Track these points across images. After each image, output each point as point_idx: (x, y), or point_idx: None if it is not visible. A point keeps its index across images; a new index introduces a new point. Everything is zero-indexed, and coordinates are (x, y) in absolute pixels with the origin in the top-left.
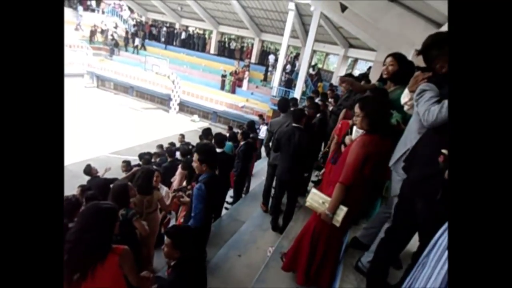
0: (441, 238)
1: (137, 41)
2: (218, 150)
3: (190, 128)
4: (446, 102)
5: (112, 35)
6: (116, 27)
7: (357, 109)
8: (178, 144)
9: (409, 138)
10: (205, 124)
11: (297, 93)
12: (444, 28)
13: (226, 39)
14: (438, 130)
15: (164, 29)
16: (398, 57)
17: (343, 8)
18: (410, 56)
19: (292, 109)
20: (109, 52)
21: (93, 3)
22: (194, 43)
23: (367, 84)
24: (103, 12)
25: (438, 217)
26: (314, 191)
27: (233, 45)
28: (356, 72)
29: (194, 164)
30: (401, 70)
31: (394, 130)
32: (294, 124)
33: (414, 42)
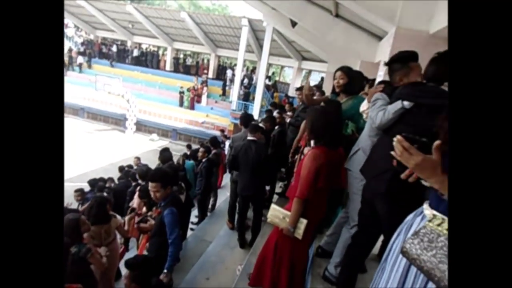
0: (395, 242)
1: (81, 59)
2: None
3: (149, 147)
4: (389, 107)
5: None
6: None
7: (304, 122)
8: (134, 167)
9: (361, 140)
10: (164, 142)
11: (256, 106)
12: (384, 40)
13: (182, 55)
14: (388, 132)
15: (115, 47)
16: (346, 71)
17: (293, 23)
18: (358, 66)
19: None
20: None
21: None
22: (148, 60)
23: (321, 95)
24: None
25: (397, 215)
26: (273, 206)
27: (189, 61)
28: (310, 83)
29: (157, 194)
30: (350, 82)
31: (348, 139)
32: (249, 138)
33: (360, 54)
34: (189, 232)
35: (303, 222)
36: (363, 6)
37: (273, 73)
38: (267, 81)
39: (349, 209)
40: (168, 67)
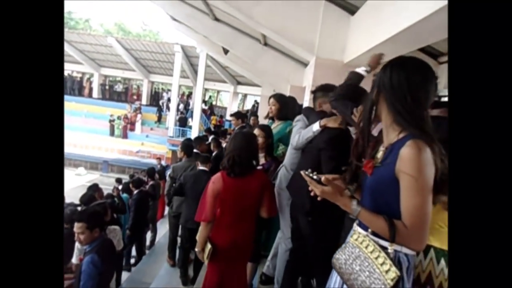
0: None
1: None
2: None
3: (76, 183)
4: (303, 132)
5: None
6: None
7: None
8: None
9: (285, 158)
10: (94, 176)
11: (194, 131)
12: (307, 68)
13: (108, 82)
14: (305, 151)
15: None
16: (278, 98)
17: (226, 51)
18: (288, 90)
19: (195, 151)
20: None
21: None
22: (69, 87)
23: (256, 120)
24: None
25: (319, 231)
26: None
27: (119, 87)
28: (247, 106)
29: (81, 237)
30: (282, 108)
31: (279, 160)
32: (201, 168)
33: (289, 79)
34: (124, 276)
35: (208, 247)
36: (286, 38)
37: (209, 97)
38: (203, 106)
39: (281, 225)
40: (95, 94)
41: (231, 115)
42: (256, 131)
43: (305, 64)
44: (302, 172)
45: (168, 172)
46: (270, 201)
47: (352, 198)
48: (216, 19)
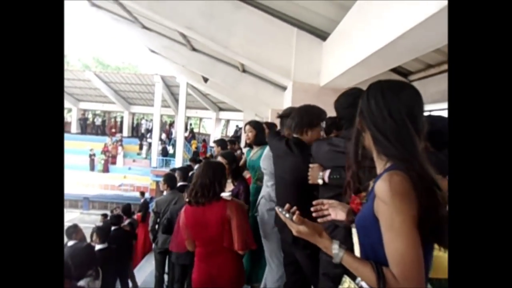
0: None
1: None
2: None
3: None
4: None
5: None
6: None
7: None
8: None
9: (263, 189)
10: (74, 215)
11: (178, 160)
12: (286, 92)
13: (90, 116)
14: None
15: None
16: (254, 124)
17: (205, 79)
18: (269, 114)
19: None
20: None
21: None
22: None
23: (237, 147)
24: None
25: (311, 261)
26: None
27: (98, 120)
28: (230, 131)
29: None
30: (258, 133)
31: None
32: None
33: (269, 103)
34: None
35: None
36: (262, 65)
37: (190, 125)
38: (185, 134)
39: (266, 254)
40: (74, 130)
41: (214, 141)
42: (219, 159)
43: (284, 88)
44: (276, 209)
45: (152, 207)
46: (239, 233)
47: (334, 239)
48: (194, 49)
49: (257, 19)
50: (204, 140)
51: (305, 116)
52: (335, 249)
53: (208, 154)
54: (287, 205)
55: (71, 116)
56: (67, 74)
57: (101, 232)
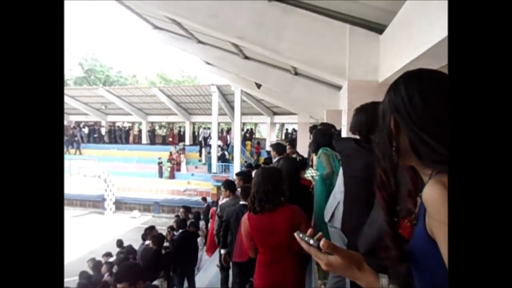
0: None
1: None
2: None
3: (131, 226)
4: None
5: None
6: None
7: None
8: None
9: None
10: (147, 218)
11: (236, 165)
12: (341, 91)
13: (157, 127)
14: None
15: (86, 129)
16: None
17: (258, 85)
18: (324, 115)
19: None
20: None
21: None
22: (120, 136)
23: (293, 149)
24: None
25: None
26: None
27: (163, 131)
28: (283, 136)
29: None
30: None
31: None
32: (242, 202)
33: (324, 104)
34: None
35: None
36: (315, 67)
37: (247, 130)
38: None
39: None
40: (144, 141)
41: (271, 146)
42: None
43: (338, 88)
44: (295, 235)
45: (216, 212)
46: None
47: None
48: (246, 57)
49: (307, 20)
50: (258, 143)
51: (371, 114)
52: (383, 283)
53: (263, 157)
54: (310, 230)
55: (141, 129)
56: (136, 92)
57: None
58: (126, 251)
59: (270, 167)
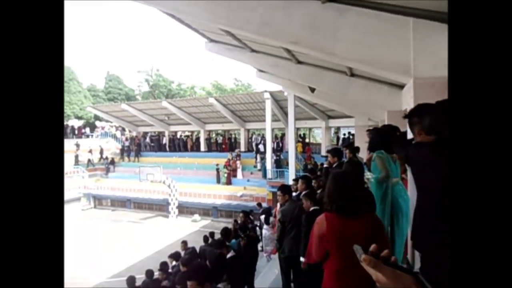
0: None
1: (132, 154)
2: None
3: (193, 229)
4: None
5: (106, 156)
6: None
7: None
8: (182, 253)
9: None
10: (207, 222)
11: (291, 171)
12: (405, 90)
13: (214, 135)
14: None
15: (148, 139)
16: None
17: (312, 89)
18: (385, 116)
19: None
20: (105, 171)
21: (87, 130)
22: (179, 145)
23: (352, 154)
24: (97, 136)
25: None
26: None
27: (219, 139)
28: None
29: None
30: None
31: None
32: (313, 207)
33: (384, 105)
34: None
35: None
36: (375, 66)
37: (302, 135)
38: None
39: None
40: (202, 148)
41: (328, 151)
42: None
43: (400, 87)
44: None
45: (278, 217)
46: (388, 244)
47: None
48: (299, 62)
49: (364, 18)
50: (307, 144)
51: (440, 113)
52: None
53: (313, 162)
54: (373, 246)
55: (200, 137)
56: (194, 102)
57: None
58: (191, 253)
59: (345, 171)
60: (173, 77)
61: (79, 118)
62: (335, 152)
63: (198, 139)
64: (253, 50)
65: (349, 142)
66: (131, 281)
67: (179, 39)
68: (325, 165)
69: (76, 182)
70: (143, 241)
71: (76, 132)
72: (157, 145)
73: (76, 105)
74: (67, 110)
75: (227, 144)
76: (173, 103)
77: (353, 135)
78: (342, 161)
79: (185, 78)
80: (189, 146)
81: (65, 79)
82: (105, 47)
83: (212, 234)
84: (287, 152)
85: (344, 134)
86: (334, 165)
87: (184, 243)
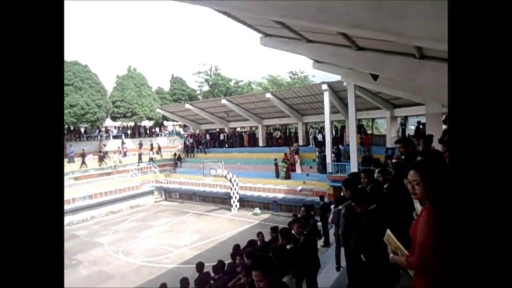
0: None
1: (195, 150)
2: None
3: (254, 222)
4: None
5: (174, 152)
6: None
7: (413, 176)
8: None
9: None
10: (267, 215)
11: (353, 164)
12: None
13: (271, 130)
14: None
15: (209, 136)
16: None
17: (375, 77)
18: None
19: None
20: (173, 166)
21: (157, 130)
22: (238, 141)
23: (426, 146)
24: (165, 135)
25: None
26: (388, 232)
27: (277, 134)
28: (410, 129)
29: (260, 284)
30: None
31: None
32: None
33: None
34: None
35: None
36: None
37: (362, 127)
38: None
39: None
40: (261, 143)
41: (398, 141)
42: (412, 174)
43: None
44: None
45: (342, 212)
46: None
47: None
48: (359, 48)
49: None
50: (365, 133)
51: None
52: None
53: (369, 154)
54: None
55: (258, 132)
56: (252, 98)
57: (286, 233)
58: (252, 245)
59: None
60: (230, 74)
61: (150, 119)
62: (406, 142)
63: (253, 134)
64: (309, 41)
65: (419, 131)
66: (200, 267)
67: (235, 36)
68: (393, 160)
69: (149, 177)
70: (209, 232)
71: (148, 132)
72: (217, 141)
73: (147, 107)
74: (139, 112)
75: (282, 138)
76: (231, 100)
77: (423, 124)
78: (414, 150)
79: (242, 75)
80: (245, 142)
81: (137, 84)
82: (168, 50)
83: (275, 228)
84: (347, 145)
85: (418, 122)
86: (403, 157)
87: (261, 234)
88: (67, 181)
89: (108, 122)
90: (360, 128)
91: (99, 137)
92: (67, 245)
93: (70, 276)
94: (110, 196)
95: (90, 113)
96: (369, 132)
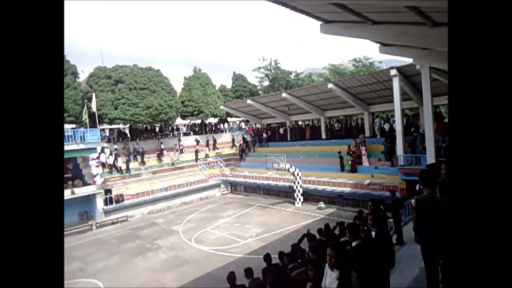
0: None
1: (257, 144)
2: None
3: (318, 216)
4: None
5: (239, 145)
6: (240, 138)
7: None
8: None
9: None
10: (332, 210)
11: (430, 155)
12: None
13: (334, 122)
14: None
15: (270, 130)
16: None
17: None
18: None
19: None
20: (238, 160)
21: (221, 126)
22: (298, 134)
23: None
24: (229, 131)
25: None
26: None
27: (337, 126)
28: None
29: (332, 260)
30: None
31: None
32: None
33: None
34: None
35: None
36: None
37: (439, 113)
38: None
39: None
40: (323, 136)
41: None
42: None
43: None
44: None
45: (413, 206)
46: None
47: None
48: (435, 24)
49: None
50: (440, 118)
51: None
52: None
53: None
54: None
55: (315, 125)
56: (313, 90)
57: (352, 229)
58: (317, 240)
59: None
60: (290, 67)
61: (215, 116)
62: None
63: (314, 126)
64: (375, 22)
65: None
66: (268, 258)
67: (292, 28)
68: None
69: (216, 171)
70: (273, 225)
71: (213, 128)
72: (278, 135)
73: (211, 105)
74: (205, 110)
75: (342, 130)
76: (292, 93)
77: None
78: None
79: (302, 66)
80: (307, 134)
81: (202, 83)
82: (229, 48)
83: (341, 223)
84: (421, 134)
85: None
86: None
87: (309, 234)
88: (146, 175)
89: (178, 121)
90: (439, 116)
91: (171, 135)
92: (149, 231)
93: (151, 259)
94: (183, 188)
95: (163, 113)
96: (447, 121)
